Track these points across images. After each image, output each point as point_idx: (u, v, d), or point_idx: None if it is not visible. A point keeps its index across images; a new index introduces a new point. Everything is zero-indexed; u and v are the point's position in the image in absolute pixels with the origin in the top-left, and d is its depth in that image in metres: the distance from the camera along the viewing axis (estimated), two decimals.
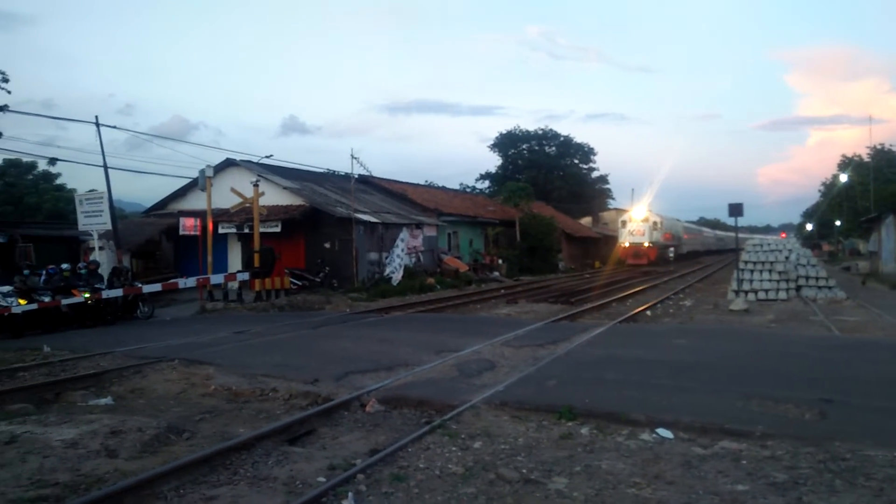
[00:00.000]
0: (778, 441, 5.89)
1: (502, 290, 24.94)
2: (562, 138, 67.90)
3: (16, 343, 12.77)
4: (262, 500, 4.86)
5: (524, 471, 5.35)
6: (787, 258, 21.13)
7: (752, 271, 21.05)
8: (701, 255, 68.69)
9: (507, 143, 66.97)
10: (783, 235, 50.87)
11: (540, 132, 67.77)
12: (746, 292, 20.17)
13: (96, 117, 23.40)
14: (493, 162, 77.24)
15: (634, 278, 31.18)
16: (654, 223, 48.08)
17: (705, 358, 9.78)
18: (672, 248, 53.53)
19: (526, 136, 67.38)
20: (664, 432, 6.25)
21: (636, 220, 47.89)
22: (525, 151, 66.87)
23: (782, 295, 19.96)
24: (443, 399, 7.46)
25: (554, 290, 24.66)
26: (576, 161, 69.14)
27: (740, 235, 27.12)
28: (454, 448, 5.93)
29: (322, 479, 5.28)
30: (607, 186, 72.74)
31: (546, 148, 67.51)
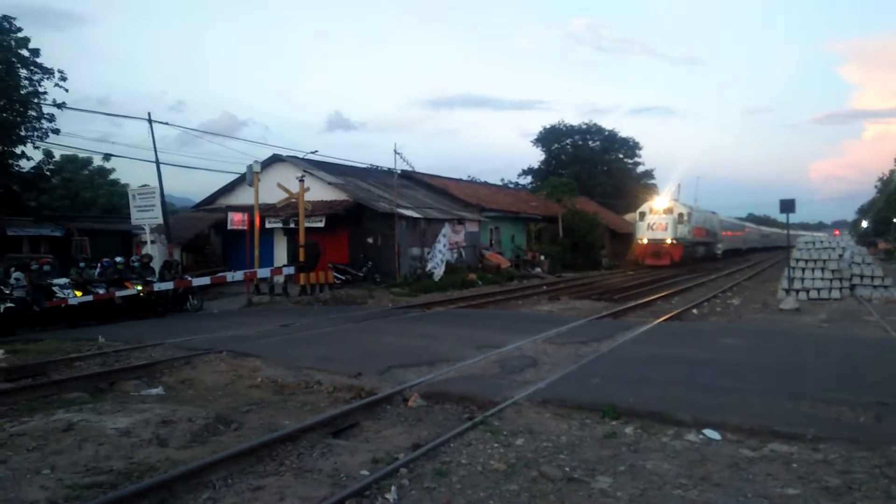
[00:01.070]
0: (830, 444, 5.72)
1: (544, 287, 24.78)
2: (606, 133, 66.97)
3: (72, 333, 13.25)
4: (307, 492, 4.94)
5: (567, 469, 5.32)
6: (840, 256, 20.43)
7: (803, 269, 20.43)
8: (743, 252, 62.68)
9: (550, 137, 66.37)
10: (836, 233, 47.39)
11: (584, 126, 66.97)
12: (797, 291, 19.60)
13: (149, 114, 24.09)
14: (535, 157, 76.65)
15: (680, 276, 30.60)
16: (680, 215, 39.88)
17: (754, 358, 9.54)
18: (704, 247, 46.11)
19: (569, 131, 66.65)
20: (711, 433, 6.13)
21: (657, 212, 39.90)
22: (568, 146, 66.19)
23: (835, 294, 19.33)
24: (485, 395, 7.46)
25: (597, 287, 24.39)
26: (620, 156, 68.11)
27: (791, 232, 26.38)
28: (496, 445, 5.93)
29: (365, 472, 5.34)
30: (653, 182, 71.44)
31: (590, 142, 66.69)
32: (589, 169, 63.06)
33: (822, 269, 20.16)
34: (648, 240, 39.02)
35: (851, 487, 4.85)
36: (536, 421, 6.64)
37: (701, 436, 6.10)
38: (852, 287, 19.78)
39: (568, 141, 66.52)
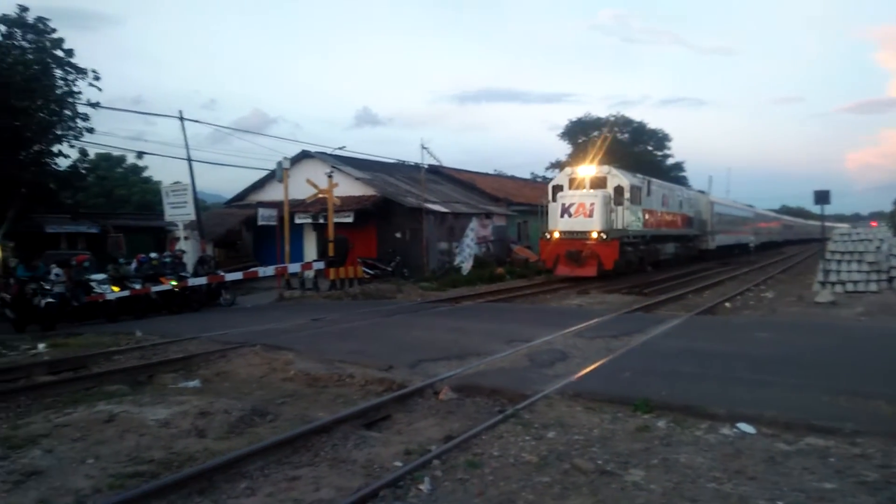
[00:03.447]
0: (868, 439, 5.64)
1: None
2: (635, 124, 66.21)
3: (111, 327, 13.59)
4: (342, 482, 5.03)
5: (599, 462, 5.33)
6: (878, 248, 19.96)
7: (839, 262, 20.00)
8: (756, 247, 46.51)
9: (577, 130, 65.83)
10: (874, 224, 45.26)
11: (612, 118, 66.33)
12: (833, 283, 19.21)
13: (180, 112, 24.47)
14: (563, 150, 76.19)
15: (711, 269, 30.19)
16: (619, 190, 23.99)
17: (789, 352, 9.40)
18: (678, 242, 31.34)
19: (597, 123, 66.02)
20: (746, 427, 6.07)
21: (580, 183, 24.29)
22: (596, 138, 65.65)
23: (872, 287, 18.89)
24: (515, 388, 7.49)
25: (626, 280, 24.17)
26: (649, 148, 67.27)
27: (826, 224, 25.83)
28: (528, 437, 5.96)
29: (399, 463, 5.42)
30: (683, 174, 70.41)
31: (618, 135, 66.04)
32: (617, 161, 62.45)
33: (860, 262, 19.71)
34: (561, 233, 23.21)
35: (890, 482, 4.79)
36: (568, 414, 6.65)
37: (735, 429, 6.06)
38: (890, 280, 19.31)
39: (595, 133, 65.93)
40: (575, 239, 22.87)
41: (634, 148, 65.70)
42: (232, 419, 6.62)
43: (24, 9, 22.61)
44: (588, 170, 24.64)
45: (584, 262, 22.54)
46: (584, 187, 24.04)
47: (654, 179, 28.58)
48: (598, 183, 24.01)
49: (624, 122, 66.58)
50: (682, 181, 68.28)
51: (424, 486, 4.86)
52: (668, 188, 30.83)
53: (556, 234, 23.46)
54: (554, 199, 24.39)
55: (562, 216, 23.48)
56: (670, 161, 69.21)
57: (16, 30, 22.53)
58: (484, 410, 7.03)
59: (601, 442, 5.83)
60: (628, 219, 23.90)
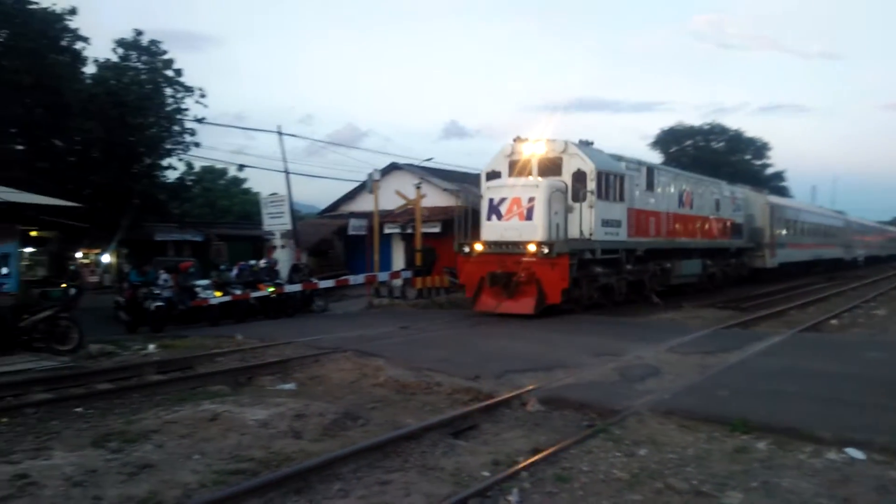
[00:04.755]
0: None
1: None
2: (731, 133, 63.60)
3: (213, 330, 14.34)
4: (431, 489, 5.11)
5: (694, 482, 5.15)
6: None
7: None
8: (867, 262, 41.65)
9: (669, 139, 63.91)
10: None
11: (706, 127, 63.96)
12: None
13: (279, 127, 25.69)
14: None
15: (815, 283, 28.49)
16: (577, 176, 15.66)
17: None
18: (714, 258, 23.22)
19: (690, 132, 63.89)
20: (854, 452, 5.71)
21: (523, 167, 16.30)
22: (689, 148, 63.45)
23: None
24: (604, 403, 7.36)
25: (722, 293, 23.19)
26: (747, 157, 64.41)
27: None
28: (618, 454, 5.84)
29: (486, 473, 5.44)
30: (784, 184, 67.00)
31: (713, 144, 63.60)
32: (713, 171, 60.13)
33: None
34: (486, 245, 15.64)
35: None
36: (660, 431, 6.47)
37: (843, 454, 5.70)
38: None
39: (689, 142, 63.78)
40: (505, 254, 15.05)
41: (731, 157, 63.11)
42: (326, 422, 6.86)
43: (139, 32, 24.47)
44: (535, 146, 16.06)
45: (516, 291, 14.80)
46: (529, 173, 15.96)
47: (661, 166, 20.88)
48: (550, 166, 15.83)
49: (720, 131, 64.12)
50: (783, 191, 64.86)
51: (513, 498, 4.86)
52: (691, 181, 22.15)
53: (479, 247, 15.52)
54: (484, 196, 16.12)
55: (488, 218, 15.49)
56: (770, 171, 66.01)
57: (132, 52, 24.39)
58: (572, 424, 6.95)
59: (696, 462, 5.64)
60: (596, 222, 15.68)
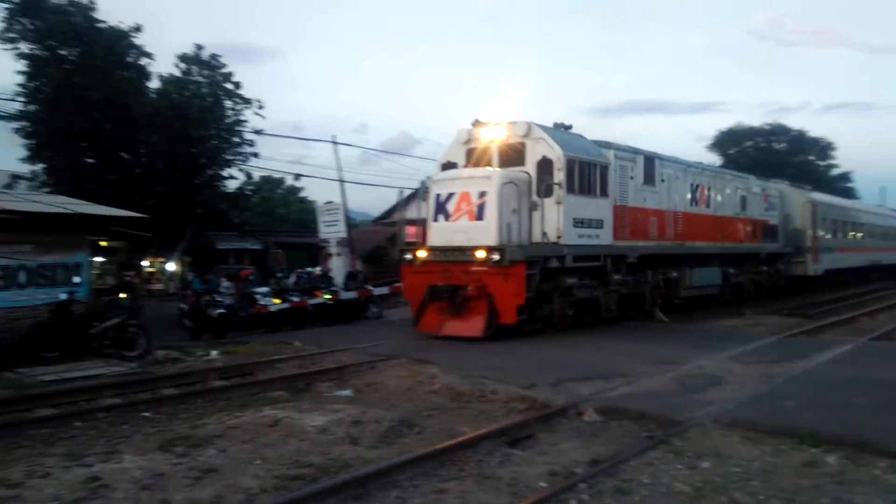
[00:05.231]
0: None
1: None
2: (793, 133, 61.44)
3: (273, 337, 14.65)
4: (488, 499, 5.09)
5: (761, 497, 4.99)
6: None
7: None
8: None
9: (727, 141, 62.16)
10: None
11: (767, 127, 61.96)
12: None
13: (334, 137, 26.15)
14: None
15: (888, 289, 27.15)
16: (542, 166, 13.05)
17: None
18: (727, 269, 19.27)
19: (750, 133, 62.01)
20: None
21: (481, 156, 13.77)
22: (749, 149, 61.58)
23: None
24: (665, 413, 7.19)
25: (787, 299, 22.38)
26: (811, 158, 62.08)
27: None
28: (680, 466, 5.70)
29: (543, 483, 5.39)
30: (851, 185, 64.29)
31: (774, 144, 61.57)
32: (774, 173, 58.11)
33: None
34: (430, 251, 13.29)
35: None
36: (723, 444, 6.28)
37: None
38: None
39: (749, 143, 61.93)
40: (452, 262, 12.61)
41: (794, 158, 60.97)
42: (382, 429, 6.91)
43: (200, 47, 25.35)
44: (495, 131, 13.59)
45: (464, 308, 12.38)
46: (488, 163, 13.48)
47: (666, 156, 17.02)
48: (513, 155, 13.38)
49: (781, 131, 62.06)
50: (849, 193, 62.16)
51: None
52: (708, 174, 19.16)
53: (423, 254, 13.21)
54: (430, 191, 13.78)
55: (435, 218, 13.20)
56: (835, 171, 63.46)
57: (193, 66, 25.27)
58: (631, 435, 6.81)
59: (762, 476, 5.45)
60: (564, 222, 12.89)
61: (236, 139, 26.01)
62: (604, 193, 14.06)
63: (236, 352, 12.23)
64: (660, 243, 16.24)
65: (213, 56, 25.40)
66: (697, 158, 20.43)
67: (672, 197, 16.84)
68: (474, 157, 13.82)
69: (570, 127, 14.50)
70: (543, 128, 13.41)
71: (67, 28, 21.29)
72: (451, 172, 13.79)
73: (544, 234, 12.86)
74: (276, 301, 16.81)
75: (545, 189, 12.80)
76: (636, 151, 15.61)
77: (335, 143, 25.89)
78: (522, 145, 13.33)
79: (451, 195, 12.98)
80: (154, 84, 24.51)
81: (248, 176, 28.78)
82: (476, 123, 13.98)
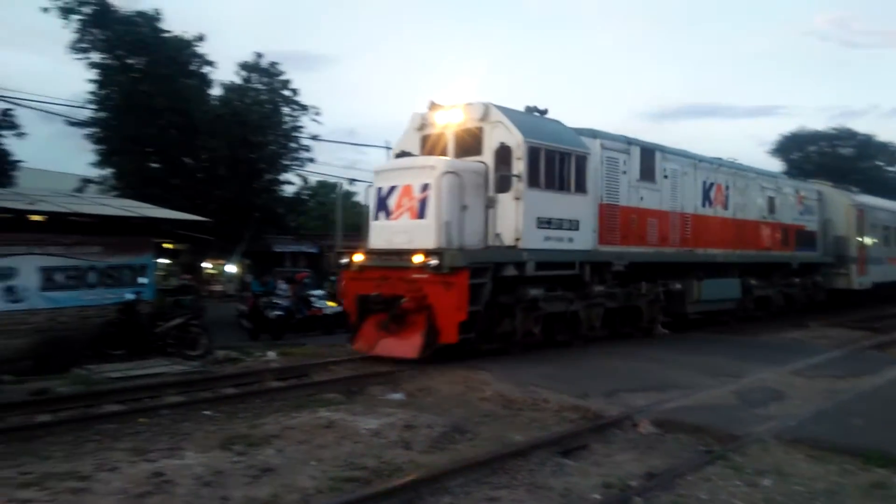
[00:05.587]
0: None
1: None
2: (860, 137, 59.03)
3: (327, 339, 14.91)
4: None
5: None
6: None
7: None
8: None
9: (790, 145, 60.14)
10: None
11: (832, 132, 59.77)
12: None
13: (386, 142, 26.52)
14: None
15: None
16: (501, 154, 11.17)
17: None
18: (749, 281, 17.25)
19: (814, 137, 59.85)
20: None
21: (436, 143, 11.99)
22: (813, 154, 59.43)
23: None
24: (723, 428, 7.02)
25: (853, 310, 21.45)
26: (879, 163, 59.52)
27: None
28: (739, 483, 5.55)
29: (597, 495, 5.33)
30: None
31: (840, 149, 59.26)
32: (840, 178, 55.93)
33: None
34: (368, 255, 11.53)
35: None
36: (785, 461, 6.08)
37: None
38: None
39: (813, 148, 59.78)
40: (391, 268, 10.95)
41: (860, 163, 58.56)
42: (434, 434, 6.96)
43: (259, 55, 26.03)
44: (450, 115, 11.83)
45: (402, 323, 10.60)
46: (443, 152, 11.81)
47: (670, 148, 14.94)
48: (471, 142, 11.62)
49: (847, 135, 59.71)
50: None
51: None
52: (725, 170, 16.71)
53: (359, 258, 11.57)
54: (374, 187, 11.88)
55: (376, 216, 11.69)
56: None
57: (252, 74, 26.00)
58: (688, 448, 6.67)
59: (827, 496, 5.26)
60: (525, 221, 11.07)
61: (293, 145, 26.61)
62: (580, 189, 12.04)
63: (292, 353, 12.49)
64: (660, 249, 14.21)
65: (272, 64, 26.08)
66: (760, 164, 18.51)
67: (678, 196, 14.77)
68: (428, 145, 12.10)
69: (545, 112, 12.60)
70: (503, 109, 11.44)
71: (135, 38, 22.23)
72: (394, 162, 12.11)
73: (497, 235, 11.04)
74: (331, 304, 17.10)
75: (499, 181, 11.04)
76: (630, 141, 13.60)
77: (388, 148, 26.18)
78: (480, 130, 11.48)
79: (392, 189, 11.22)
80: (216, 91, 25.33)
81: (305, 181, 29.40)
82: (432, 106, 12.12)
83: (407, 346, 10.44)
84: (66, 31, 21.86)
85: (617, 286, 13.25)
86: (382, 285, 10.84)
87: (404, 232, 10.91)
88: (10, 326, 11.18)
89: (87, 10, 21.80)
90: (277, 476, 5.70)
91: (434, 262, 10.08)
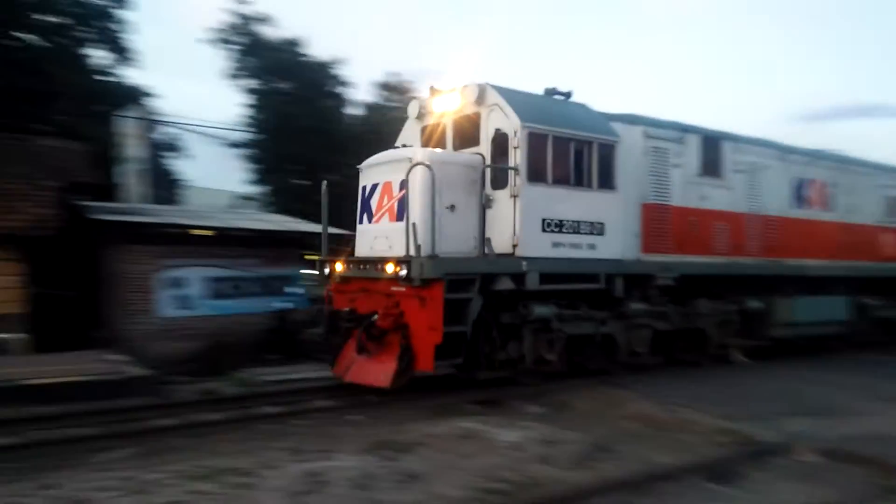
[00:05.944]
0: None
1: None
2: None
3: None
4: None
5: None
6: None
7: None
8: None
9: None
10: None
11: None
12: None
13: None
14: None
15: None
16: (498, 142, 9.54)
17: None
18: (866, 301, 14.39)
19: None
20: None
21: (432, 133, 10.61)
22: None
23: None
24: None
25: None
26: None
27: None
28: None
29: None
30: None
31: None
32: None
33: None
34: (347, 265, 9.99)
35: None
36: None
37: None
38: None
39: None
40: (369, 279, 9.53)
41: None
42: (574, 450, 6.86)
43: (395, 74, 27.41)
44: (448, 100, 10.33)
45: (379, 344, 9.12)
46: (440, 143, 10.53)
47: (744, 136, 12.61)
48: (468, 129, 10.16)
49: None
50: None
51: None
52: (824, 164, 14.00)
53: (339, 267, 10.10)
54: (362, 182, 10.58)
55: (360, 219, 10.36)
56: None
57: (385, 92, 27.46)
58: (858, 481, 6.11)
59: None
60: (525, 223, 9.40)
61: None
62: (606, 185, 10.14)
63: None
64: (731, 259, 11.90)
65: (406, 82, 27.27)
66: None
67: (757, 194, 12.46)
68: (426, 136, 10.72)
69: (568, 95, 10.62)
70: (501, 90, 9.72)
71: (281, 65, 24.01)
72: (377, 156, 10.23)
73: (487, 240, 9.30)
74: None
75: (494, 175, 9.59)
76: (685, 129, 11.53)
77: None
78: (477, 116, 9.94)
79: (375, 186, 9.84)
80: (355, 111, 26.77)
81: None
82: (431, 91, 10.70)
83: (379, 372, 8.96)
84: (214, 59, 24.19)
85: (669, 303, 11.23)
86: (362, 299, 9.46)
87: (385, 237, 9.51)
88: (183, 332, 12.39)
89: (243, 39, 23.86)
90: (422, 483, 5.86)
91: (403, 271, 8.58)
